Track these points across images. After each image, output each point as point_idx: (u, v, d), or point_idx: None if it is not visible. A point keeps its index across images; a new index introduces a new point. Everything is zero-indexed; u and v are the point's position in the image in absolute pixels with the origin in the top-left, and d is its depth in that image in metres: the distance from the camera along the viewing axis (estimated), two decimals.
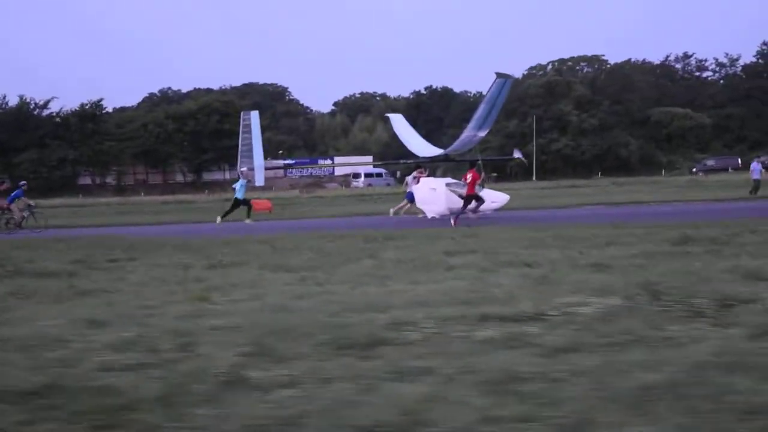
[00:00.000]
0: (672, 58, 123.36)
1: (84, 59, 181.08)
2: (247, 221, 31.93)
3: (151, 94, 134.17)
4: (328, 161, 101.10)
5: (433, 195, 30.13)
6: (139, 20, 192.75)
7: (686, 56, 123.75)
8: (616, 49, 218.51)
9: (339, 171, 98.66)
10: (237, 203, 33.48)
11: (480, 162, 30.92)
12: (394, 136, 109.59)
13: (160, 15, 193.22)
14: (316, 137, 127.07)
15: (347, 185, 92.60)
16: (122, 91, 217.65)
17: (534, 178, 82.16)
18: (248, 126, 37.42)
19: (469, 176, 27.70)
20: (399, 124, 44.19)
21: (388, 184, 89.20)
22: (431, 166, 35.73)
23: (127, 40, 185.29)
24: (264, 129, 41.36)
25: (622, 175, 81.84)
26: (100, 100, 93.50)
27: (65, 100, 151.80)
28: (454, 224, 24.84)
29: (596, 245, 14.02)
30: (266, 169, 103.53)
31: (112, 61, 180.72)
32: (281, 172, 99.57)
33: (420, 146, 39.26)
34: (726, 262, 10.58)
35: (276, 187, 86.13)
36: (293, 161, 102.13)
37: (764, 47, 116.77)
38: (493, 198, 30.80)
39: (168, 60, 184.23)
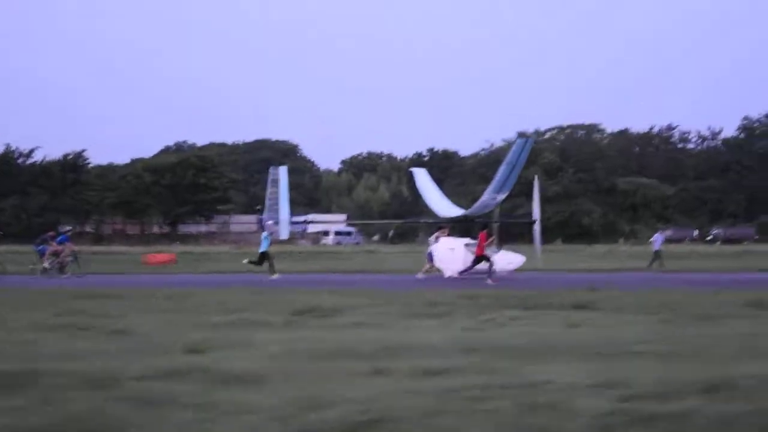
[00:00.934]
0: (656, 129, 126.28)
1: (106, 110, 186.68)
2: (274, 277, 30.74)
3: (167, 146, 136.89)
4: (301, 218, 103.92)
5: (452, 255, 30.78)
6: (160, 75, 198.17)
7: (670, 128, 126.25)
8: (617, 117, 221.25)
9: (313, 228, 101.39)
10: (263, 256, 32.54)
11: (493, 224, 32.84)
12: (395, 196, 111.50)
13: (183, 71, 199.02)
14: (322, 194, 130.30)
15: (317, 242, 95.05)
16: (144, 142, 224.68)
17: (496, 241, 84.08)
18: (276, 181, 38.59)
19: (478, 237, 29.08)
20: (422, 179, 43.56)
21: (357, 243, 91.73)
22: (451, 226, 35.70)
23: (149, 91, 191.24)
24: (267, 185, 42.35)
25: (584, 242, 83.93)
26: (83, 150, 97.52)
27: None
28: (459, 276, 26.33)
29: (233, 310, 16.24)
30: (240, 223, 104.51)
31: (134, 113, 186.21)
32: (254, 226, 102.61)
33: (440, 204, 39.60)
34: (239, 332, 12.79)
35: (243, 241, 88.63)
36: (263, 217, 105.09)
37: (745, 121, 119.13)
38: (510, 259, 31.91)
39: (189, 114, 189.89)
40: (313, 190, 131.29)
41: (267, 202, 39.25)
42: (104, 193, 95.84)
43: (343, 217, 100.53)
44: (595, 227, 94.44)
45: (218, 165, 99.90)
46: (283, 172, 37.63)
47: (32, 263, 34.04)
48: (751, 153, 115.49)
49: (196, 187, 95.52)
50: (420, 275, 30.93)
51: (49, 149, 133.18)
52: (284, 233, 37.76)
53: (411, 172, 49.14)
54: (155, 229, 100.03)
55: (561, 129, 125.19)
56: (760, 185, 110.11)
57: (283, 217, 35.99)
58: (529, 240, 75.15)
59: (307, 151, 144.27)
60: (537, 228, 36.50)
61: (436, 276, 30.86)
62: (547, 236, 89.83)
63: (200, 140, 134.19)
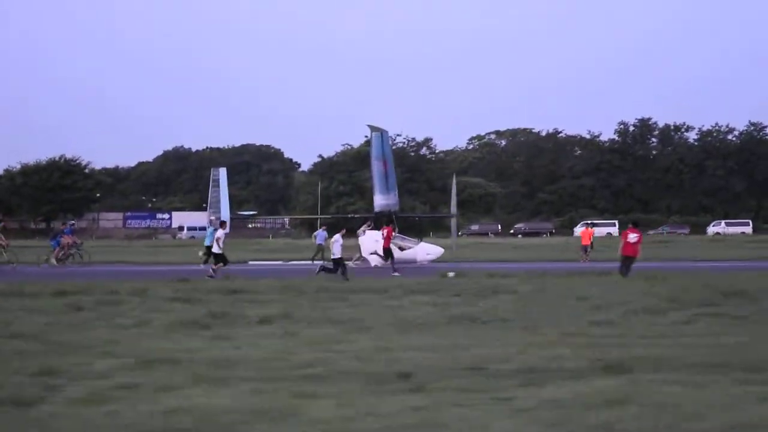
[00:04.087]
0: (543, 133, 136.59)
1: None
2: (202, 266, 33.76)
3: (166, 151, 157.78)
4: (165, 215, 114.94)
5: (377, 245, 32.21)
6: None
7: (557, 132, 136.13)
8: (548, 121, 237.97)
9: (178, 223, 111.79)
10: (209, 249, 34.82)
11: (395, 219, 34.65)
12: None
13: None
14: (292, 193, 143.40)
15: (174, 236, 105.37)
16: (142, 149, 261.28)
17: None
18: (217, 181, 40.68)
19: (384, 231, 30.84)
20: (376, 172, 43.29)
21: None
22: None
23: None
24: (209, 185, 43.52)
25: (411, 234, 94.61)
26: None
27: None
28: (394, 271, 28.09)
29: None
30: (108, 220, 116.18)
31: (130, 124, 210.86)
32: (120, 222, 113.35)
33: (378, 199, 39.51)
34: None
35: (109, 237, 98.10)
36: (129, 213, 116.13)
37: (621, 126, 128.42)
38: (428, 250, 34.48)
39: (184, 122, 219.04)
40: (284, 189, 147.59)
41: (210, 200, 42.53)
42: None
43: (206, 213, 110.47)
44: (420, 221, 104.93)
45: (84, 167, 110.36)
46: (222, 174, 41.11)
47: (45, 255, 36.96)
48: (624, 154, 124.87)
49: (62, 188, 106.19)
50: (352, 263, 32.07)
51: None
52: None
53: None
54: (32, 225, 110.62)
55: (499, 132, 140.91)
56: (626, 183, 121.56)
57: (223, 214, 38.56)
58: (434, 234, 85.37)
59: (291, 154, 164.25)
60: (453, 222, 41.67)
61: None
62: (377, 229, 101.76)
63: (195, 145, 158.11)
